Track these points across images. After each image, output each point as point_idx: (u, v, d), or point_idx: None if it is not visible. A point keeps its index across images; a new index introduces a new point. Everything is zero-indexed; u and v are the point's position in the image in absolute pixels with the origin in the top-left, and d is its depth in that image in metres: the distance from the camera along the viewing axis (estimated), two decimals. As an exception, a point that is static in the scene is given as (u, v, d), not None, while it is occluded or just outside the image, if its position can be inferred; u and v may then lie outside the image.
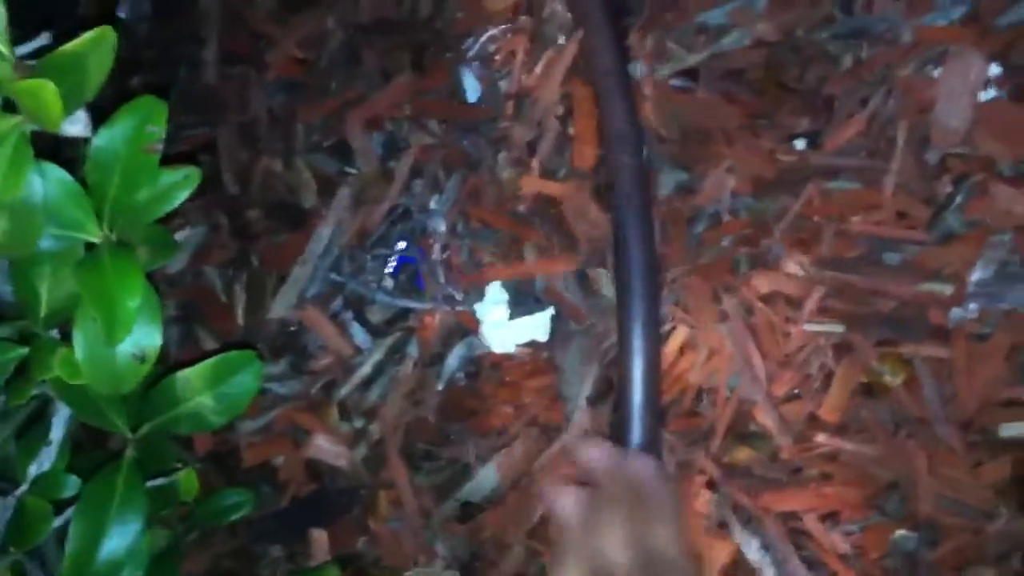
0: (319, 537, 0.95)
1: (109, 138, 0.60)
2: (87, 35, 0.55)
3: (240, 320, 1.01)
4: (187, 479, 0.80)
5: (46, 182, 0.58)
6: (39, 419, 0.71)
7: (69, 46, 0.55)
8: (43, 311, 0.64)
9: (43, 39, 0.58)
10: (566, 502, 0.77)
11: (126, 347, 0.60)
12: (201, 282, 1.04)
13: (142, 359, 0.61)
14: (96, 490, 0.65)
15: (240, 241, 1.03)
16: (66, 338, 0.64)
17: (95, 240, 0.60)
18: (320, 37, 1.03)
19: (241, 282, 1.02)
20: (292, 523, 0.97)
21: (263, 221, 1.03)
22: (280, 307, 0.99)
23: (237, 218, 1.04)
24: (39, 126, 0.54)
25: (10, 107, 0.54)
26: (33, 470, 0.67)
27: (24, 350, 0.64)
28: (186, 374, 0.70)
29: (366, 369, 0.97)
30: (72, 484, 0.68)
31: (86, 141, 0.60)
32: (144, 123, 0.61)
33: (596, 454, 0.80)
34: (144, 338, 0.60)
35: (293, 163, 1.02)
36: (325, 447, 0.96)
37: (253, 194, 1.04)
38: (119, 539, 0.64)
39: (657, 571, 0.70)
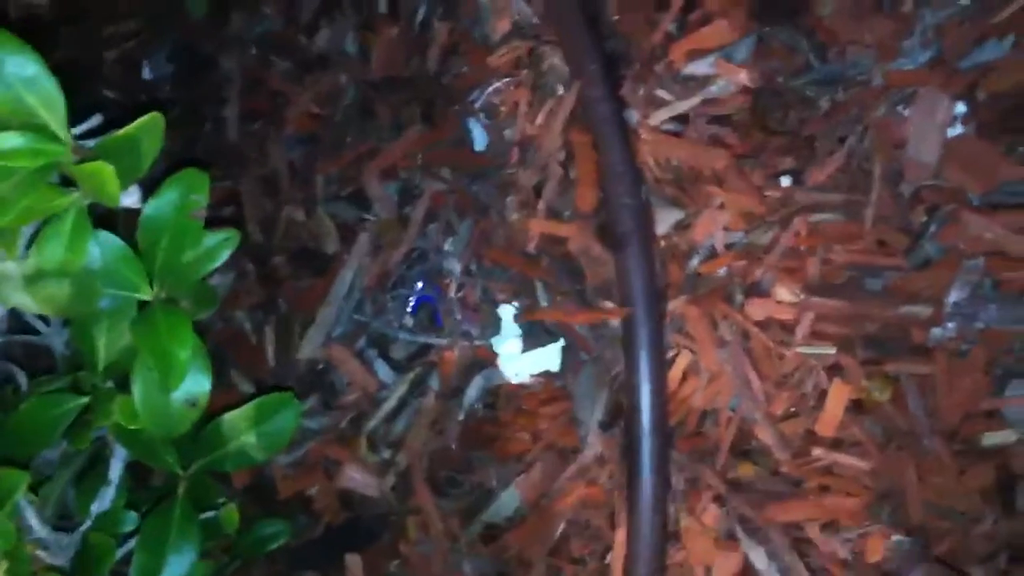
0: (353, 562, 1.02)
1: (157, 207, 0.66)
2: (140, 121, 0.61)
3: (271, 361, 1.08)
4: (229, 513, 0.86)
5: (102, 249, 0.64)
6: (96, 463, 0.77)
7: (124, 131, 0.61)
8: (101, 364, 0.70)
9: (95, 120, 0.64)
10: None
11: (179, 394, 0.66)
12: (232, 326, 1.10)
13: (194, 404, 0.67)
14: (154, 524, 0.71)
15: (267, 286, 1.10)
16: (121, 388, 0.70)
17: (147, 299, 0.66)
18: (335, 94, 1.10)
19: (270, 325, 1.09)
20: (327, 550, 1.03)
21: (288, 267, 1.10)
22: (308, 347, 1.06)
23: (263, 265, 1.10)
24: (97, 201, 0.60)
25: (67, 182, 0.60)
26: (95, 508, 0.73)
27: (85, 399, 0.70)
28: (231, 416, 0.76)
29: (391, 403, 1.03)
30: (131, 519, 0.74)
31: (137, 211, 0.67)
32: (188, 192, 0.67)
33: None
34: (195, 385, 0.67)
35: (314, 212, 1.09)
36: (355, 477, 1.03)
37: (277, 242, 1.10)
38: (177, 567, 0.70)
39: None
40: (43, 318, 0.76)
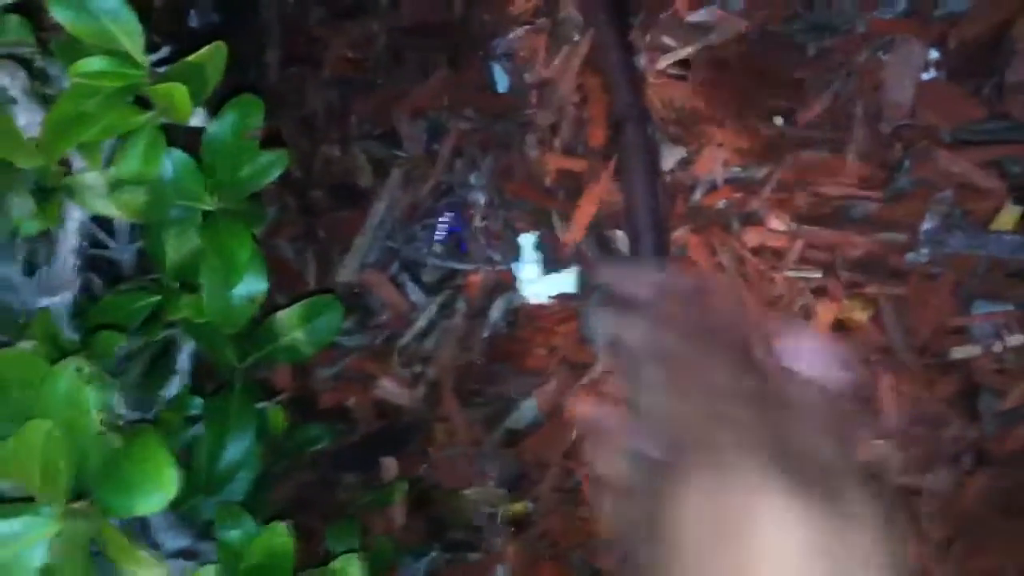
0: (388, 464, 1.12)
1: (219, 128, 0.74)
2: (205, 49, 0.70)
3: (312, 286, 1.18)
4: (275, 414, 0.94)
5: (173, 163, 0.71)
6: (164, 356, 0.86)
7: (192, 57, 0.68)
8: (170, 266, 0.78)
9: (164, 52, 0.72)
10: (627, 337, 0.72)
11: (240, 291, 0.74)
12: (276, 255, 1.19)
13: (252, 300, 0.76)
14: (217, 407, 0.80)
15: (307, 218, 1.19)
16: (185, 288, 0.79)
17: (210, 208, 0.74)
18: (368, 40, 1.19)
19: (310, 253, 1.18)
20: (364, 454, 1.13)
21: (325, 200, 1.19)
22: (345, 273, 1.15)
23: (303, 199, 1.19)
24: (169, 120, 0.67)
25: (142, 104, 0.67)
26: (164, 394, 0.82)
27: (157, 297, 0.78)
28: (282, 315, 0.85)
29: (421, 322, 1.13)
30: (196, 404, 0.82)
31: (202, 130, 0.75)
32: (245, 116, 0.75)
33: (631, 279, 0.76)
34: (253, 284, 0.76)
35: (349, 149, 1.18)
36: (389, 389, 1.13)
37: (316, 178, 1.19)
38: (237, 445, 0.79)
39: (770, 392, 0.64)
40: (111, 234, 0.85)
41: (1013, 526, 0.95)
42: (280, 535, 0.73)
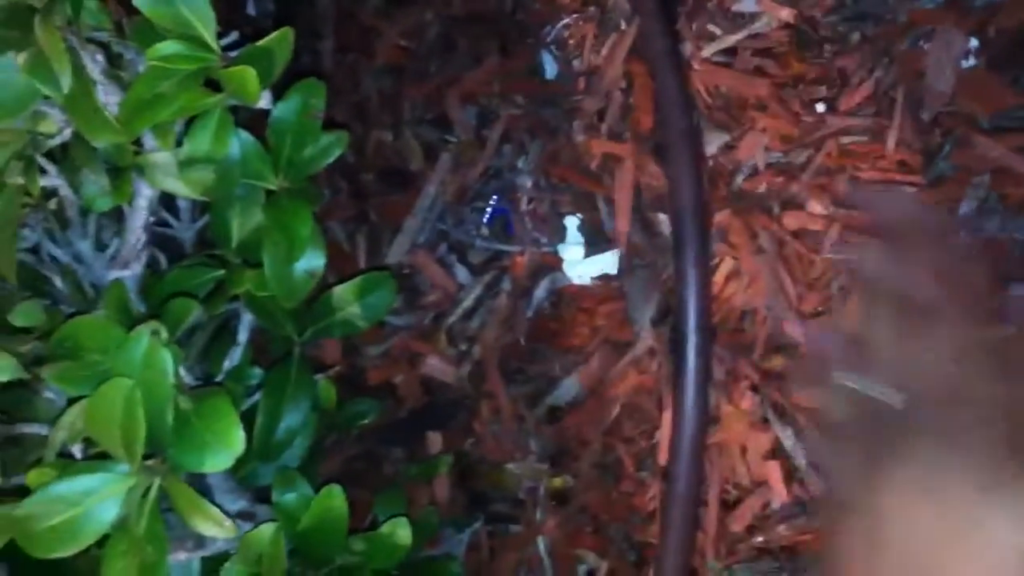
0: (433, 439, 1.16)
1: (284, 109, 0.76)
2: (273, 34, 0.72)
3: (362, 266, 1.21)
4: (326, 388, 0.98)
5: (240, 144, 0.73)
6: (225, 328, 0.90)
7: (262, 42, 0.70)
8: (234, 242, 0.81)
9: (232, 36, 0.75)
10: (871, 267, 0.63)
11: (300, 266, 0.77)
12: (327, 236, 1.22)
13: (312, 275, 0.79)
14: (276, 378, 0.83)
15: (358, 201, 1.22)
16: (247, 264, 0.82)
17: (273, 187, 0.77)
18: (420, 28, 1.22)
19: (361, 235, 1.22)
20: (410, 429, 1.17)
21: (377, 183, 1.22)
22: (395, 254, 1.19)
23: (355, 182, 1.23)
24: (238, 102, 0.69)
25: (211, 86, 0.69)
26: (226, 365, 0.85)
27: (221, 271, 0.81)
28: (338, 290, 0.88)
29: (468, 302, 1.17)
30: (256, 374, 0.85)
31: (263, 112, 0.78)
32: (309, 97, 0.78)
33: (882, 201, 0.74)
34: (313, 259, 0.78)
35: (401, 134, 1.21)
36: (436, 366, 1.16)
37: (368, 161, 1.22)
38: (294, 415, 0.83)
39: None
40: (175, 213, 0.89)
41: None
42: (335, 498, 0.77)
